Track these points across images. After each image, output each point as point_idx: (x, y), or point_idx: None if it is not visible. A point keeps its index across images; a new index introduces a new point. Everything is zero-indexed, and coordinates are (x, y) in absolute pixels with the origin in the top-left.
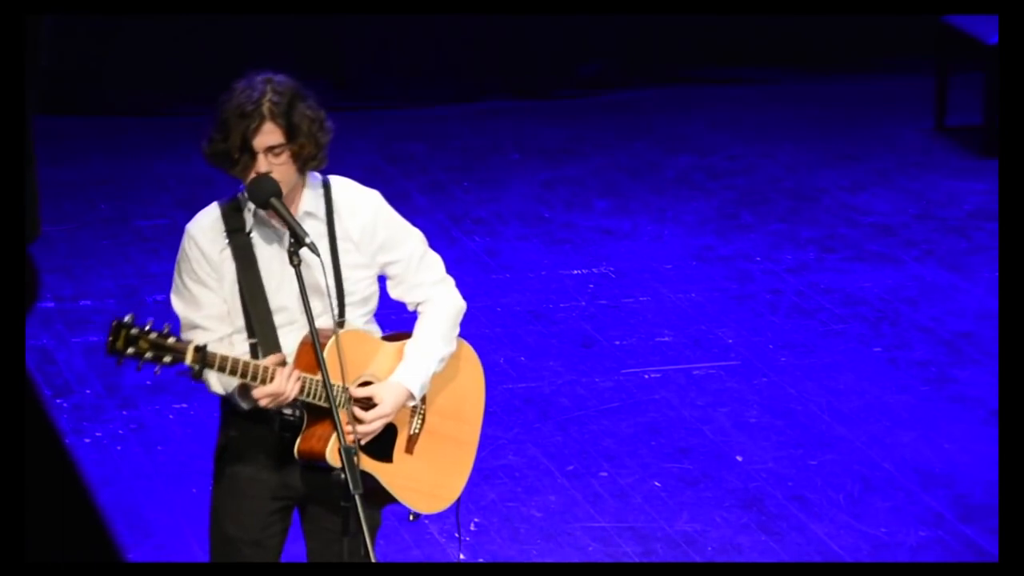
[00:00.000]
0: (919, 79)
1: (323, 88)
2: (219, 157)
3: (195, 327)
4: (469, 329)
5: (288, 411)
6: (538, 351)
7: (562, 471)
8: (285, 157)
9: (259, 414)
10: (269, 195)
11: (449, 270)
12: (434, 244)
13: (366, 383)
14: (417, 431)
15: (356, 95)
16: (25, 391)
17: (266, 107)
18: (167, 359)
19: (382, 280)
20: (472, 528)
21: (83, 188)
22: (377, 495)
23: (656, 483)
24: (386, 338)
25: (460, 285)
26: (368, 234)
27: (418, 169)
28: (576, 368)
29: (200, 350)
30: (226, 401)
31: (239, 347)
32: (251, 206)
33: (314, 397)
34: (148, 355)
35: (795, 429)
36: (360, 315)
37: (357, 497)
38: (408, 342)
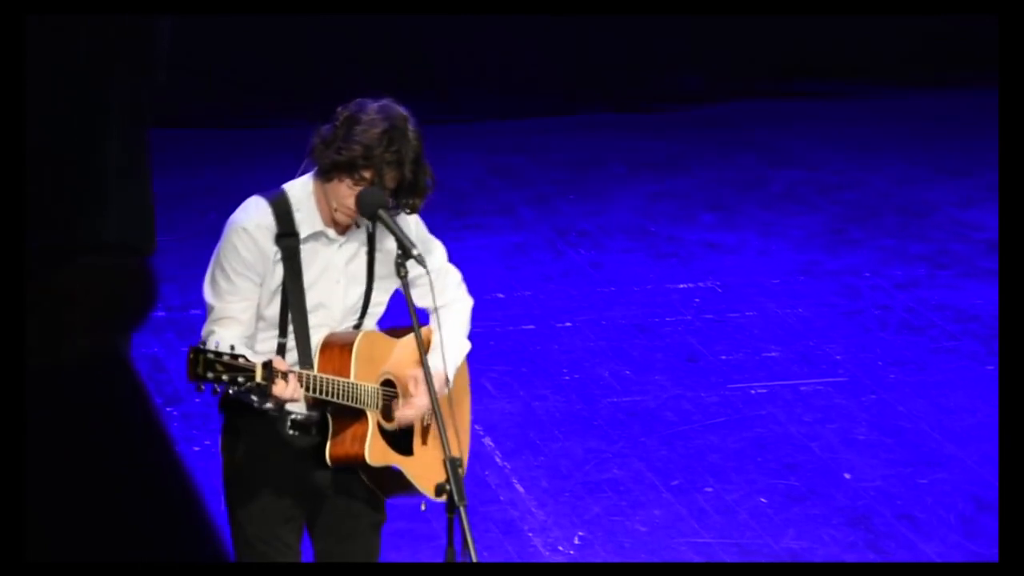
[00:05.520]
0: None
1: (425, 102)
2: (337, 166)
3: (226, 318)
4: (574, 342)
5: (296, 411)
6: (643, 365)
7: (667, 485)
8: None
9: (267, 415)
10: (377, 207)
11: (554, 282)
12: (539, 256)
13: (388, 380)
14: (428, 422)
15: (458, 108)
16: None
17: (406, 157)
18: (240, 379)
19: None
20: (576, 542)
21: (192, 198)
22: (395, 488)
23: (762, 499)
24: (389, 333)
25: (565, 297)
26: None
27: (523, 182)
28: (681, 382)
29: (267, 366)
30: (229, 404)
31: (263, 344)
32: (302, 209)
33: (339, 398)
34: (224, 377)
35: (904, 447)
36: (373, 324)
37: (462, 509)
38: (442, 335)
